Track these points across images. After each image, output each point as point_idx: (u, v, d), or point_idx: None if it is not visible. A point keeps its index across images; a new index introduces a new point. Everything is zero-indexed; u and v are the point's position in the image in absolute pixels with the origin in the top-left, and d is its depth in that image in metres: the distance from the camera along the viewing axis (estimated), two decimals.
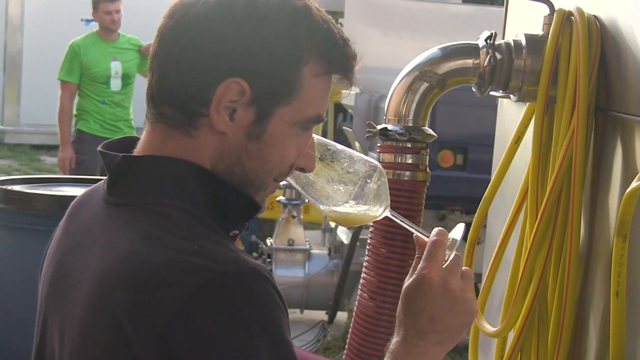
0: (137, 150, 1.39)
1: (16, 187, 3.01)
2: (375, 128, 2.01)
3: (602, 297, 1.83)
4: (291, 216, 5.92)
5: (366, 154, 6.20)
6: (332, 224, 6.25)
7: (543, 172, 1.94)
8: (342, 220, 1.54)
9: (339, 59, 1.38)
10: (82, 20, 12.46)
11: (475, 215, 2.13)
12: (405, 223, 1.56)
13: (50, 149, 12.73)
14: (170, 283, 1.21)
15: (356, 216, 1.53)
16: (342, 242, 5.93)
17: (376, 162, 1.55)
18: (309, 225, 7.19)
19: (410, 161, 1.99)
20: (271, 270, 5.64)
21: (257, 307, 1.23)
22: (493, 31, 1.98)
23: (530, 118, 2.00)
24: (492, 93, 2.10)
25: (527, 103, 2.03)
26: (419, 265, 1.44)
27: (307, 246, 5.87)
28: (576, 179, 1.84)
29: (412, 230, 1.54)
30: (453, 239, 1.48)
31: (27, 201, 2.88)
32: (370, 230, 2.06)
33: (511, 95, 2.01)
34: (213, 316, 1.20)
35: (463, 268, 1.46)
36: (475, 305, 1.46)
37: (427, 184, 2.04)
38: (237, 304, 1.21)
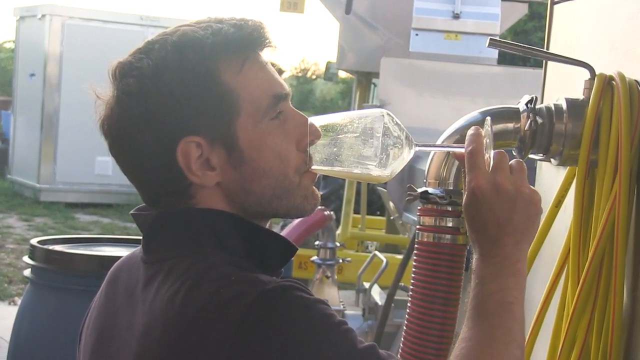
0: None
1: (57, 247, 3.04)
2: (416, 191, 2.01)
3: None
4: (325, 276, 5.91)
5: (401, 215, 6.18)
6: (366, 284, 6.22)
7: (584, 236, 1.93)
8: (387, 176, 1.50)
9: (241, 44, 1.35)
10: None
11: None
12: (436, 147, 1.54)
13: (85, 207, 12.84)
14: (213, 319, 1.22)
15: (397, 164, 1.50)
16: (376, 303, 5.90)
17: (373, 110, 1.49)
18: (342, 286, 7.17)
19: (450, 224, 1.98)
20: None
21: (305, 309, 1.24)
22: (534, 95, 1.99)
23: (571, 182, 2.00)
24: (531, 156, 2.10)
25: (568, 167, 2.02)
26: (466, 179, 1.42)
27: (341, 307, 5.85)
28: (619, 243, 1.83)
29: (445, 149, 1.51)
30: (487, 138, 1.45)
31: (68, 261, 2.91)
32: (410, 293, 2.05)
33: (552, 159, 2.01)
34: (267, 336, 1.21)
35: (511, 162, 1.44)
36: (537, 193, 1.42)
37: (468, 247, 2.04)
38: (285, 313, 1.22)
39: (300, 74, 42.27)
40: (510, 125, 1.99)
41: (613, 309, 1.84)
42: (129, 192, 12.99)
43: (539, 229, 2.09)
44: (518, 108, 1.99)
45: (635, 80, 1.89)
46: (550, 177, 2.31)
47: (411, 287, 2.03)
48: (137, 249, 1.46)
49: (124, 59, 1.42)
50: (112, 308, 1.43)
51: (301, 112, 1.39)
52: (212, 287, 1.25)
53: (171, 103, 1.31)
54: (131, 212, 1.44)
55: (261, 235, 1.36)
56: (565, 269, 1.99)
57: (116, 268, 1.52)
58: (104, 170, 12.97)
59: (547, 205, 2.10)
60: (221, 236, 1.33)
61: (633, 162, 1.86)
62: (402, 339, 2.04)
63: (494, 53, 6.73)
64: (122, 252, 3.10)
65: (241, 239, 1.34)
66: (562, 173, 2.08)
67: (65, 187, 13.14)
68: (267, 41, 1.37)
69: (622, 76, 1.88)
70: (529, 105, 1.97)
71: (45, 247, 2.98)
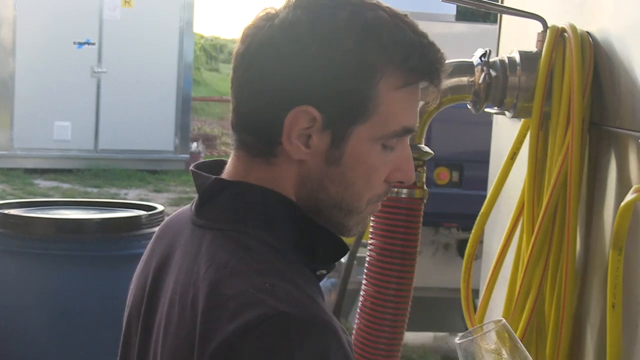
0: (225, 176, 1.36)
1: (13, 211, 3.02)
2: None
3: (598, 310, 1.85)
4: None
5: None
6: None
7: (539, 187, 1.96)
8: None
9: (419, 67, 1.28)
10: (74, 43, 12.52)
11: (472, 231, 2.15)
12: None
13: (44, 172, 12.74)
14: (233, 315, 1.18)
15: None
16: (339, 261, 5.92)
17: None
18: None
19: None
20: None
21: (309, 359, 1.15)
22: (487, 49, 2.01)
23: (526, 134, 2.03)
24: (487, 110, 2.12)
25: (522, 119, 2.05)
26: None
27: None
28: (572, 193, 1.87)
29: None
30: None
31: (25, 225, 2.89)
32: (368, 248, 2.08)
33: (506, 112, 2.04)
34: (260, 356, 1.16)
35: None
36: None
37: (425, 201, 2.06)
38: (289, 349, 1.15)
39: None
40: (465, 79, 2.00)
41: (567, 258, 1.87)
42: (89, 156, 12.90)
43: (495, 181, 2.12)
44: (472, 62, 2.01)
45: (587, 32, 1.92)
46: (505, 129, 2.34)
47: (370, 241, 2.06)
48: (188, 206, 1.42)
49: None
50: (158, 263, 1.39)
51: (411, 151, 1.36)
52: (242, 288, 1.20)
53: (323, 63, 1.26)
54: (191, 168, 1.39)
55: (314, 229, 1.31)
56: (521, 219, 2.02)
57: (166, 223, 1.46)
58: (63, 135, 12.85)
59: (502, 157, 2.13)
60: (272, 219, 1.30)
61: (585, 113, 1.88)
62: (362, 292, 2.07)
63: (452, 9, 6.73)
64: (81, 214, 3.09)
65: (292, 228, 1.30)
66: (517, 125, 2.10)
67: (23, 153, 13.01)
68: (438, 79, 1.31)
69: (573, 28, 1.90)
70: (482, 58, 1.99)
71: (2, 211, 2.96)
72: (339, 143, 1.28)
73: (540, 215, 1.90)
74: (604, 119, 1.89)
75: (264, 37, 1.29)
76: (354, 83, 1.27)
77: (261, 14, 1.32)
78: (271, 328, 1.16)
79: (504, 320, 1.48)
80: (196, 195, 1.38)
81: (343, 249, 1.34)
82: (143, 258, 1.48)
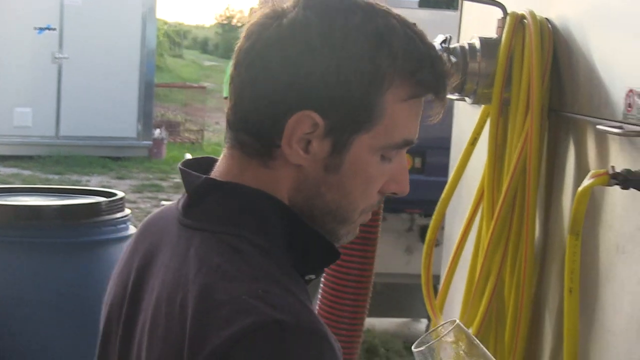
0: (216, 175, 1.32)
1: None
2: None
3: (557, 294, 1.87)
4: None
5: None
6: None
7: (499, 173, 1.97)
8: None
9: (427, 80, 1.25)
10: (35, 28, 12.39)
11: (433, 217, 2.16)
12: None
13: (4, 159, 12.62)
14: (226, 322, 1.15)
15: None
16: None
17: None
18: None
19: None
20: None
21: None
22: (448, 35, 2.01)
23: (486, 120, 2.04)
24: (447, 96, 2.13)
25: (483, 105, 2.06)
26: None
27: None
28: (531, 179, 1.88)
29: None
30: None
31: None
32: None
33: (466, 98, 2.04)
34: None
35: None
36: None
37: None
38: (284, 358, 1.13)
39: (225, 22, 42.00)
40: (449, 69, 2.00)
41: (526, 243, 1.89)
42: (50, 143, 12.79)
43: (456, 167, 2.13)
44: None
45: (546, 18, 1.93)
46: (466, 116, 2.35)
47: None
48: (174, 203, 1.38)
49: None
50: (140, 262, 1.35)
51: (407, 162, 1.34)
52: (234, 294, 1.17)
53: (331, 68, 1.22)
54: (179, 165, 1.35)
55: (307, 233, 1.29)
56: (481, 205, 2.03)
57: (149, 221, 1.43)
58: (23, 121, 12.73)
59: (463, 143, 2.14)
60: (265, 222, 1.27)
61: (544, 99, 1.90)
62: (322, 278, 2.08)
63: None
64: (39, 201, 3.06)
65: (285, 232, 1.27)
66: (477, 112, 2.11)
67: None
68: (444, 93, 1.27)
69: (533, 15, 1.91)
70: (443, 44, 1.99)
71: None
72: (340, 151, 1.25)
73: (500, 201, 1.91)
74: (562, 105, 1.90)
75: (271, 36, 1.25)
76: (361, 91, 1.24)
77: (267, 11, 1.28)
78: (266, 336, 1.14)
79: (458, 321, 1.50)
80: (182, 192, 1.34)
81: (335, 255, 1.31)
82: (124, 255, 1.44)
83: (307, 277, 1.31)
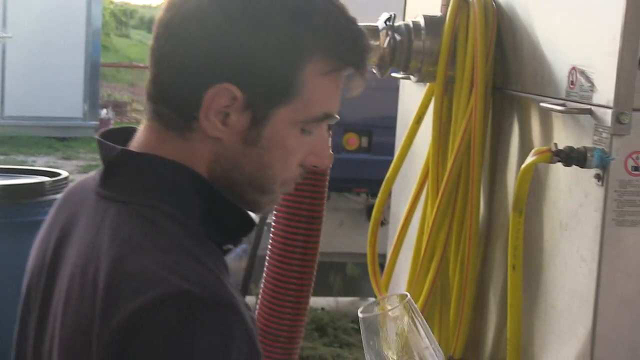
0: (134, 146, 1.31)
1: None
2: None
3: (501, 272, 1.88)
4: None
5: None
6: None
7: (443, 152, 1.97)
8: None
9: (348, 54, 1.26)
10: None
11: (378, 195, 2.16)
12: None
13: None
14: (135, 294, 1.14)
15: None
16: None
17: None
18: None
19: None
20: None
21: (212, 339, 1.13)
22: (392, 13, 2.01)
23: (431, 98, 2.04)
24: (393, 74, 2.12)
25: (427, 84, 2.06)
26: None
27: None
28: (475, 157, 1.88)
29: None
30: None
31: None
32: (274, 213, 2.07)
33: (411, 76, 2.04)
34: (161, 336, 1.13)
35: None
36: None
37: (331, 165, 2.06)
38: (192, 328, 1.13)
39: None
40: (370, 43, 2.00)
41: (470, 220, 1.89)
42: (16, 124, 12.61)
43: (401, 146, 2.13)
44: (377, 26, 2.00)
45: None
46: (411, 94, 2.34)
47: (275, 206, 2.05)
48: (95, 173, 1.37)
49: None
50: (59, 233, 1.35)
51: (329, 137, 1.35)
52: (144, 265, 1.17)
53: (250, 42, 1.22)
54: (97, 136, 1.34)
55: (222, 204, 1.29)
56: (426, 184, 2.03)
57: (69, 191, 1.41)
58: None
59: (409, 122, 2.14)
60: (180, 193, 1.27)
61: (488, 77, 1.90)
62: (267, 257, 2.07)
63: None
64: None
65: (201, 203, 1.27)
66: (422, 90, 2.11)
67: None
68: (364, 67, 1.29)
69: None
70: (387, 22, 1.99)
71: None
72: (259, 124, 1.26)
73: (445, 179, 1.92)
74: (506, 83, 1.91)
75: (190, 9, 1.24)
76: (280, 65, 1.24)
77: None
78: (174, 307, 1.13)
79: (409, 296, 1.53)
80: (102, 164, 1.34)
81: (251, 225, 1.32)
82: (44, 226, 1.43)
83: (224, 247, 1.32)
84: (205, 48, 1.24)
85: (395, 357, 1.54)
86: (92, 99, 12.99)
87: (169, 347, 1.13)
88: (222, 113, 1.25)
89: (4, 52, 12.53)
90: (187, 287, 1.14)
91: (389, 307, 1.57)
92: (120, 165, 1.30)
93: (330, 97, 1.29)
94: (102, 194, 1.30)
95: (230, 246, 1.33)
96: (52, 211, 1.44)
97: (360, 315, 1.55)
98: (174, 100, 1.27)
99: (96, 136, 1.35)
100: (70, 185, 1.47)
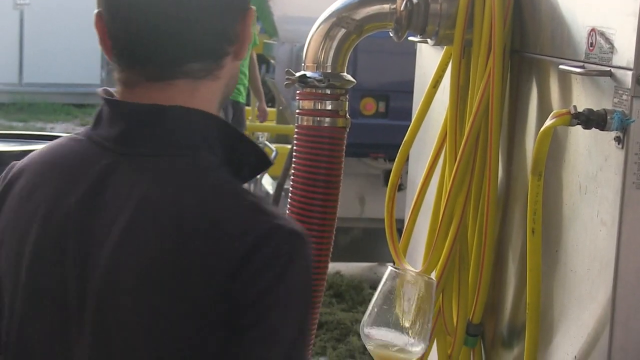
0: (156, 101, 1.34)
1: None
2: (294, 75, 2.00)
3: (519, 236, 1.87)
4: None
5: (289, 104, 6.26)
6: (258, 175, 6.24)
7: (461, 115, 1.96)
8: None
9: None
10: None
11: (396, 160, 2.14)
12: None
13: None
14: (244, 232, 1.23)
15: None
16: (267, 192, 5.94)
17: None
18: None
19: (329, 107, 1.98)
20: None
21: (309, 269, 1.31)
22: None
23: (448, 62, 2.01)
24: (410, 38, 2.10)
25: (445, 47, 2.04)
26: None
27: None
28: (493, 120, 1.87)
29: None
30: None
31: None
32: (292, 178, 2.06)
33: (428, 40, 2.02)
34: (279, 269, 1.24)
35: None
36: None
37: (348, 129, 2.05)
38: (303, 262, 1.29)
39: None
40: (387, 7, 1.98)
41: (489, 184, 1.88)
42: (13, 90, 12.64)
43: (418, 110, 2.11)
44: None
45: None
46: (428, 58, 2.32)
47: (293, 171, 2.05)
48: (63, 140, 1.38)
49: None
50: (68, 209, 1.30)
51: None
52: (238, 205, 1.27)
53: None
54: (105, 96, 1.35)
55: (243, 144, 1.35)
56: (444, 148, 2.02)
57: (42, 162, 1.37)
58: None
59: (426, 86, 2.12)
60: (211, 140, 1.32)
61: (506, 40, 1.88)
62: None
63: None
64: (2, 147, 3.02)
65: (225, 146, 1.33)
66: (440, 54, 2.09)
67: None
68: None
69: None
70: None
71: None
72: (241, 36, 1.36)
73: (462, 143, 1.90)
74: (524, 46, 1.88)
75: None
76: None
77: None
78: (285, 237, 1.26)
79: (434, 280, 1.77)
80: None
81: (267, 162, 1.39)
82: (6, 207, 1.36)
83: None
84: None
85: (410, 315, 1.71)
86: (110, 65, 13.00)
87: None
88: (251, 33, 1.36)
89: (21, 19, 12.54)
90: (287, 225, 1.27)
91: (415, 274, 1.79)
92: (150, 121, 1.31)
93: None
94: (131, 153, 1.30)
95: (245, 185, 1.40)
96: (17, 189, 1.36)
97: (390, 267, 1.74)
98: (208, 49, 1.32)
99: (105, 96, 1.35)
100: (31, 156, 1.39)
